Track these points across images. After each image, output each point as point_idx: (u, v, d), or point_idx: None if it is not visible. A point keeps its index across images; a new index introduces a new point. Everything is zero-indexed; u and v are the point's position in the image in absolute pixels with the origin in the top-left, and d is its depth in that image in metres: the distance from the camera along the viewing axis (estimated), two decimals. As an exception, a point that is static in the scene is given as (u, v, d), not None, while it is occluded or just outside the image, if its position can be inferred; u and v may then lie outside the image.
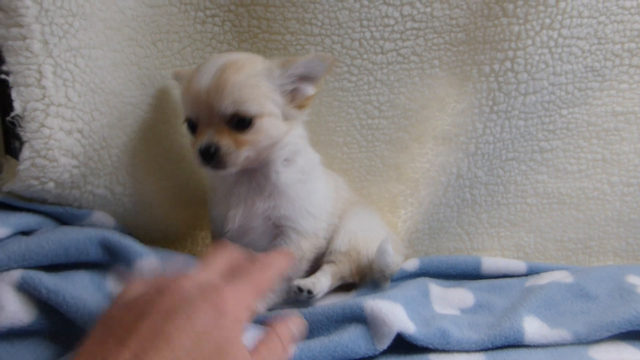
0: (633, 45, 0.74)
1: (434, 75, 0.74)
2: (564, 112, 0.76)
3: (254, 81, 0.56)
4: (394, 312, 0.59)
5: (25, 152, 0.51)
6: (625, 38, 0.73)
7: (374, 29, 0.72)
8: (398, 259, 0.66)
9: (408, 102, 0.76)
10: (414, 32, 0.73)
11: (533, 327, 0.62)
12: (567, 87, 0.75)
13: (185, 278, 0.35)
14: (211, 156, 0.55)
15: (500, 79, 0.72)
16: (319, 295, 0.65)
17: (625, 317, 0.60)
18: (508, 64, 0.72)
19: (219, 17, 0.72)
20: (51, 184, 0.54)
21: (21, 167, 0.51)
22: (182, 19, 0.70)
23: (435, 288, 0.72)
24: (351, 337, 0.56)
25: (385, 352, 0.58)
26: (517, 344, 0.60)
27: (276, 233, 0.63)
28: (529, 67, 0.72)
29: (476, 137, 0.75)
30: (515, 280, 0.76)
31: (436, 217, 0.79)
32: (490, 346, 0.60)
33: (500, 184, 0.79)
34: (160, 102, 0.69)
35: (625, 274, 0.73)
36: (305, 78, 0.59)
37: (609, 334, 0.60)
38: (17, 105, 0.50)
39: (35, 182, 0.53)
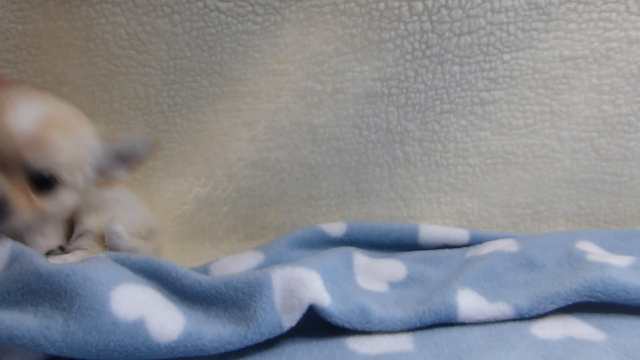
0: (582, -23, 0.68)
1: (348, 11, 0.66)
2: (506, 57, 0.70)
3: (78, 150, 0.54)
4: (306, 281, 0.51)
5: None
6: (573, -31, 0.68)
7: (280, -42, 0.65)
8: (137, 243, 0.63)
9: (319, 45, 0.69)
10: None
11: (468, 302, 0.56)
12: (509, 28, 0.69)
13: None
14: None
15: (434, 17, 0.66)
16: None
17: (572, 287, 0.56)
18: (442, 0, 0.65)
19: None
20: None
21: None
22: None
23: (362, 258, 0.66)
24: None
25: (293, 334, 0.50)
26: (449, 322, 0.54)
27: None
28: (463, 2, 0.65)
29: (407, 87, 0.69)
30: (455, 251, 0.71)
31: (365, 177, 0.73)
32: (418, 324, 0.54)
33: (438, 141, 0.73)
34: (19, 59, 0.68)
35: (575, 240, 0.68)
36: (123, 158, 0.59)
37: (554, 306, 0.55)
38: None
39: None
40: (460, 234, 0.73)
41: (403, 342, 0.51)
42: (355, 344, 0.51)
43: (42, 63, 0.69)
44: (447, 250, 0.71)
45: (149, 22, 0.67)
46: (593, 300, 0.55)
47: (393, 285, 0.63)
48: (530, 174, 0.75)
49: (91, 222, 0.60)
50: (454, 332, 0.53)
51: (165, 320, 0.46)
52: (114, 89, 0.70)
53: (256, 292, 0.49)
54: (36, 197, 0.52)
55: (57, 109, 0.54)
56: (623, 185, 0.76)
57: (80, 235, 0.58)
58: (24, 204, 0.51)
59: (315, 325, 0.52)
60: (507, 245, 0.68)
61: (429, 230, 0.72)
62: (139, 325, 0.45)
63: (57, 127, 0.52)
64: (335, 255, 0.62)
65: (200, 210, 0.73)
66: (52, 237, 0.58)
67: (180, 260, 0.63)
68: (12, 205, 0.50)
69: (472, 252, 0.69)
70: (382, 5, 0.67)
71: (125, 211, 0.62)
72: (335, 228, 0.71)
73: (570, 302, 0.55)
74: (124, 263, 0.53)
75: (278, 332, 0.49)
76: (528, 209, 0.76)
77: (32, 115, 0.51)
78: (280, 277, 0.50)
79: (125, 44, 0.68)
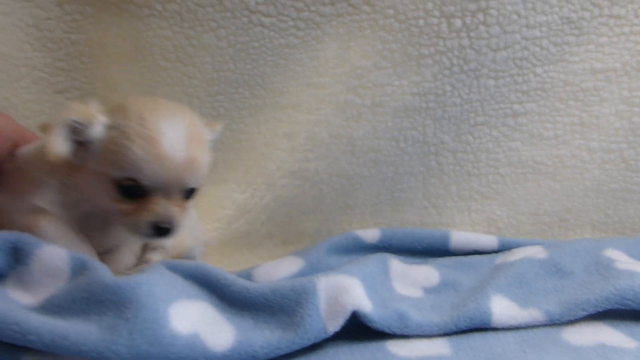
0: (614, -8, 0.69)
1: (387, 26, 0.68)
2: (539, 70, 0.71)
3: (208, 154, 0.55)
4: (349, 288, 0.53)
5: None
6: (606, -15, 0.69)
7: (321, -23, 0.67)
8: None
9: (358, 59, 0.70)
10: (367, -23, 0.67)
11: (501, 307, 0.57)
12: (542, 42, 0.70)
13: None
14: (166, 230, 0.52)
15: (472, 34, 0.67)
16: None
17: (602, 295, 0.57)
18: (480, 17, 0.67)
19: None
20: None
21: None
22: None
23: (397, 264, 0.67)
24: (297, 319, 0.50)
25: (337, 338, 0.52)
26: (483, 327, 0.56)
27: None
28: (501, 19, 0.67)
29: (444, 101, 0.71)
30: (485, 257, 0.72)
31: (400, 187, 0.75)
32: (454, 329, 0.55)
33: (470, 152, 0.74)
34: (72, 67, 0.71)
35: (603, 247, 0.69)
36: None
37: (585, 313, 0.57)
38: None
39: None
40: (489, 241, 0.74)
41: (440, 346, 0.53)
42: (395, 347, 0.53)
43: (93, 71, 0.72)
44: (477, 257, 0.72)
45: (194, 36, 0.69)
46: (623, 308, 0.56)
47: (428, 290, 0.64)
48: (559, 184, 0.76)
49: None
50: (489, 337, 0.55)
51: (218, 331, 0.49)
52: (159, 97, 0.72)
53: (302, 299, 0.52)
54: (184, 204, 0.54)
55: (190, 121, 0.54)
56: None
57: (153, 249, 0.60)
58: (180, 214, 0.53)
59: (356, 328, 0.54)
60: (536, 252, 0.68)
61: (460, 237, 0.73)
62: (195, 338, 0.47)
63: (198, 141, 0.53)
64: (372, 262, 0.63)
65: (238, 217, 0.76)
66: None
67: (219, 264, 0.65)
68: (177, 224, 0.53)
69: (501, 258, 0.70)
70: (421, 22, 0.68)
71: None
72: (370, 234, 0.72)
73: (600, 309, 0.56)
74: (176, 270, 0.55)
75: (323, 337, 0.51)
76: (555, 217, 0.78)
77: (182, 138, 0.51)
78: (324, 285, 0.52)
79: (172, 56, 0.70)
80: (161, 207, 0.51)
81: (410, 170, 0.74)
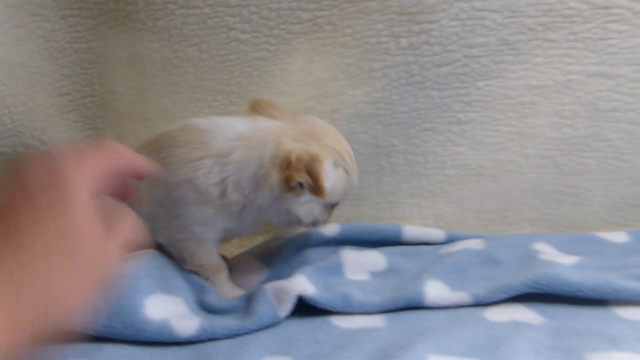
0: (546, 19, 0.75)
1: (345, 44, 0.75)
2: (480, 84, 0.78)
3: None
4: (293, 279, 0.63)
5: None
6: (539, 12, 0.75)
7: (291, -1, 0.74)
8: None
9: (320, 72, 0.77)
10: (330, 2, 0.74)
11: (435, 290, 0.65)
12: (482, 60, 0.76)
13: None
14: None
15: (417, 51, 0.74)
16: None
17: (521, 281, 0.64)
18: (424, 37, 0.73)
19: None
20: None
21: None
22: None
23: (350, 253, 0.74)
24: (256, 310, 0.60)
25: (288, 317, 0.61)
26: (417, 306, 0.63)
27: None
28: (442, 39, 0.73)
29: (392, 108, 0.78)
30: (432, 247, 0.79)
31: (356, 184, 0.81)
32: (391, 307, 0.63)
33: (419, 154, 0.81)
34: (74, 72, 0.78)
35: (533, 241, 0.76)
36: None
37: (506, 295, 0.64)
38: None
39: None
40: (438, 234, 0.80)
41: (377, 320, 0.61)
42: (337, 321, 0.61)
43: (92, 75, 0.79)
44: (425, 247, 0.78)
45: (180, 49, 0.77)
46: (538, 291, 0.63)
47: (374, 274, 0.71)
48: (499, 185, 0.82)
49: None
50: (421, 314, 0.62)
51: (186, 320, 0.58)
52: (148, 102, 0.80)
53: (255, 296, 0.62)
54: None
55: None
56: (580, 196, 0.82)
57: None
58: None
59: (307, 307, 0.62)
60: (475, 244, 0.75)
61: (411, 230, 0.79)
62: (164, 324, 0.56)
63: None
64: (327, 258, 0.72)
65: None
66: None
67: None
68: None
69: (445, 249, 0.76)
70: (373, 40, 0.75)
71: None
72: (331, 229, 0.78)
73: (519, 293, 0.63)
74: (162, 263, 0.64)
75: (276, 321, 0.60)
76: (497, 214, 0.84)
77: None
78: (271, 285, 0.62)
79: (159, 66, 0.78)
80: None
81: (364, 169, 0.80)
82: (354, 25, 0.75)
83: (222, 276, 0.65)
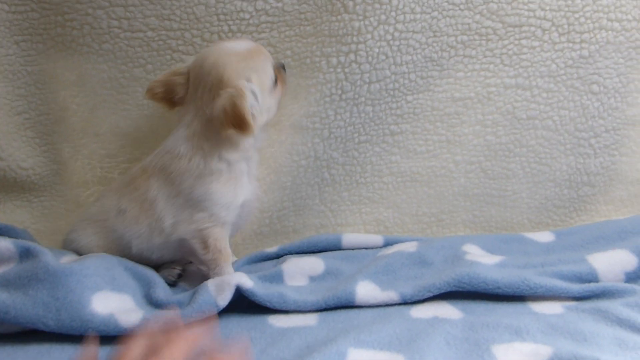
0: (465, 37, 0.83)
1: (286, 64, 0.80)
2: (409, 98, 0.84)
3: None
4: (233, 274, 0.68)
5: None
6: (458, 31, 0.82)
7: (230, 22, 0.79)
8: None
9: None
10: (268, 25, 0.80)
11: (365, 290, 0.69)
12: (410, 76, 0.83)
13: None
14: None
15: (347, 69, 0.80)
16: None
17: (445, 280, 0.68)
18: (352, 56, 0.79)
19: (77, 20, 0.79)
20: None
21: None
22: (44, 23, 0.79)
23: (291, 261, 0.78)
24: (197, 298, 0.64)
25: (229, 313, 0.65)
26: (349, 305, 0.68)
27: None
28: (370, 58, 0.79)
29: (329, 123, 0.83)
30: (370, 251, 0.83)
31: (299, 195, 0.86)
32: (324, 306, 0.67)
33: (357, 165, 0.86)
34: (29, 92, 0.83)
35: (463, 243, 0.81)
36: None
37: (430, 294, 0.68)
38: None
39: None
40: (376, 239, 0.85)
41: (309, 319, 0.65)
42: (273, 320, 0.66)
43: (46, 95, 0.83)
44: (363, 250, 0.82)
45: (127, 70, 0.81)
46: (460, 289, 0.67)
47: (312, 279, 0.75)
48: (433, 190, 0.88)
49: None
50: (351, 312, 0.67)
51: (130, 313, 0.62)
52: (99, 118, 0.83)
53: (197, 289, 0.66)
54: None
55: None
56: (507, 198, 0.89)
57: None
58: None
59: (246, 307, 0.66)
60: (409, 247, 0.79)
61: (350, 238, 0.84)
62: (110, 317, 0.60)
63: None
64: (267, 269, 0.76)
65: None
66: None
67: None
68: None
69: (381, 252, 0.80)
70: (308, 60, 0.81)
71: None
72: (273, 248, 0.83)
73: (443, 291, 0.67)
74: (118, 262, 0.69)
75: (215, 309, 0.64)
76: (433, 217, 0.89)
77: None
78: (213, 279, 0.67)
79: (107, 85, 0.82)
80: None
81: (307, 181, 0.85)
82: (293, 47, 0.81)
83: (230, 262, 0.75)
